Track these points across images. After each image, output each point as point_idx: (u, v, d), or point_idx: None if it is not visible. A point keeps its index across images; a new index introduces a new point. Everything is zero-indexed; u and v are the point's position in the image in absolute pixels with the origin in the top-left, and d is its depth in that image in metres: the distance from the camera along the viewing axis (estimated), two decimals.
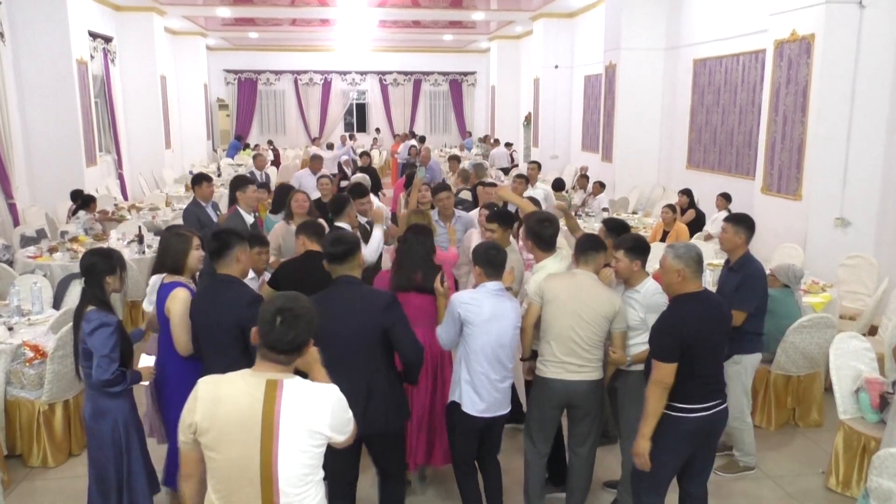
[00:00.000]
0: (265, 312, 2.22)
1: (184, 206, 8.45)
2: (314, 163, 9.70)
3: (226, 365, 3.01)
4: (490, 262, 3.62)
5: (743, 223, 4.48)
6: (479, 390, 3.58)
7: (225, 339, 3.40)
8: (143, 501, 3.60)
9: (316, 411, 2.22)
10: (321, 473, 2.32)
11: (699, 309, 3.34)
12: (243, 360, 3.12)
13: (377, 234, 5.47)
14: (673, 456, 3.41)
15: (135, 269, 6.86)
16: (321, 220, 5.05)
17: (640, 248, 3.84)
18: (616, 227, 4.58)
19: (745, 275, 4.40)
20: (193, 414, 2.22)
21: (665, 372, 3.25)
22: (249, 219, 6.05)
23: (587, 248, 3.83)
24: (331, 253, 3.39)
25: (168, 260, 3.75)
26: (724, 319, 3.46)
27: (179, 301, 3.55)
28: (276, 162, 17.94)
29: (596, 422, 3.84)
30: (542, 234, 4.09)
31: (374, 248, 5.38)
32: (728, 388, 4.34)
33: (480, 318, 3.52)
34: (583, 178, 11.73)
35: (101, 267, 3.44)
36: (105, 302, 3.45)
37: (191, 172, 13.23)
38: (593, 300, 3.66)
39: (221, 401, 2.20)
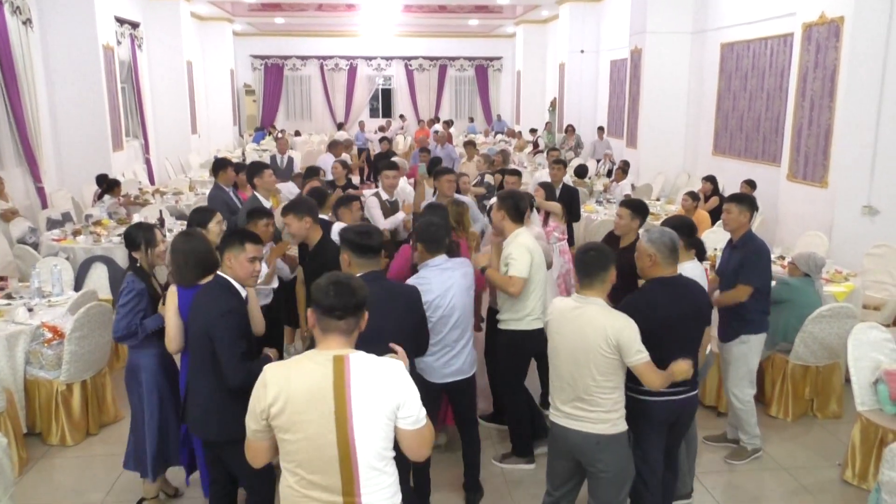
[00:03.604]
0: (318, 286, 2.27)
1: (206, 191, 8.54)
2: (337, 148, 9.74)
3: (196, 370, 3.19)
4: (427, 236, 3.72)
5: (747, 202, 4.52)
6: (439, 359, 3.74)
7: (195, 344, 3.21)
8: (173, 455, 3.91)
9: (386, 382, 2.23)
10: (394, 452, 2.31)
11: (668, 294, 3.34)
12: (206, 371, 3.14)
13: (400, 214, 5.90)
14: (648, 440, 3.40)
15: None
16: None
17: (685, 228, 3.99)
18: (640, 208, 4.75)
19: (747, 250, 4.39)
20: (264, 400, 2.22)
21: None
22: (267, 204, 5.92)
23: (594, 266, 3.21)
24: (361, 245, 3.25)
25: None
26: (697, 305, 3.42)
27: (170, 296, 3.59)
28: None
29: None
30: (520, 206, 4.30)
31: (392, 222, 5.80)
32: (732, 368, 4.44)
33: (432, 294, 3.63)
34: (620, 171, 11.25)
35: (129, 239, 3.88)
36: (138, 268, 3.83)
37: (216, 157, 13.35)
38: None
39: (292, 381, 2.20)
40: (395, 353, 2.55)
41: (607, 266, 3.14)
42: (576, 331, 3.10)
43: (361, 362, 2.24)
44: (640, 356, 3.03)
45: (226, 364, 3.02)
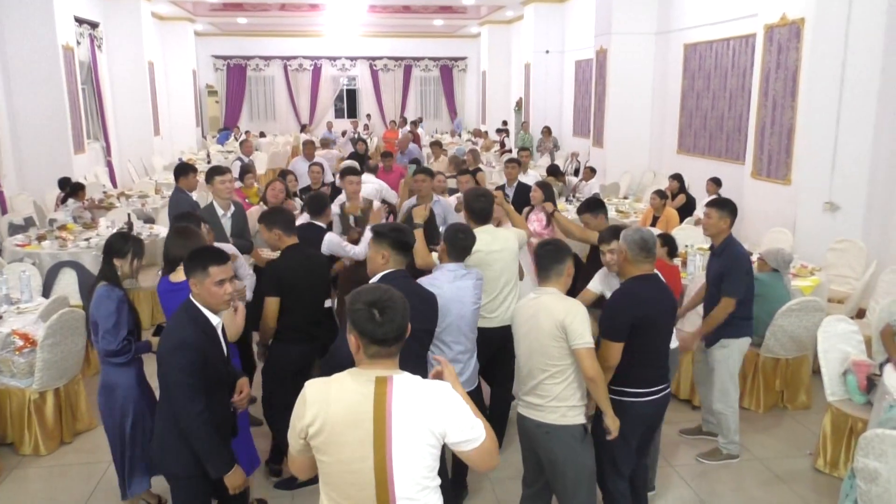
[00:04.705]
0: (357, 312, 2.08)
1: None
2: (307, 149, 9.66)
3: (161, 400, 3.03)
4: (455, 244, 3.73)
5: (727, 207, 4.46)
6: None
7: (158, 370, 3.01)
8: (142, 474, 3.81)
9: (429, 407, 2.09)
10: (438, 480, 2.19)
11: (648, 291, 3.43)
12: (165, 401, 2.96)
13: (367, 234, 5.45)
14: (628, 440, 3.43)
15: None
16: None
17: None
18: (596, 205, 5.00)
19: (727, 259, 4.37)
20: (303, 418, 2.10)
21: (613, 351, 3.31)
22: (221, 211, 5.50)
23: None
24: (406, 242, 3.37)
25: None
26: (671, 304, 3.55)
27: None
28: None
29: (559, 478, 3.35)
30: (474, 207, 4.27)
31: (362, 247, 5.16)
32: (714, 373, 4.47)
33: (441, 300, 3.57)
34: (588, 170, 11.35)
35: (114, 248, 3.70)
36: (114, 278, 3.66)
37: (180, 160, 13.17)
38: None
39: (331, 401, 2.08)
40: (440, 363, 2.36)
41: (562, 260, 3.26)
42: (530, 319, 3.23)
43: (405, 385, 2.10)
44: (583, 341, 3.09)
45: (173, 401, 2.87)
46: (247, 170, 7.57)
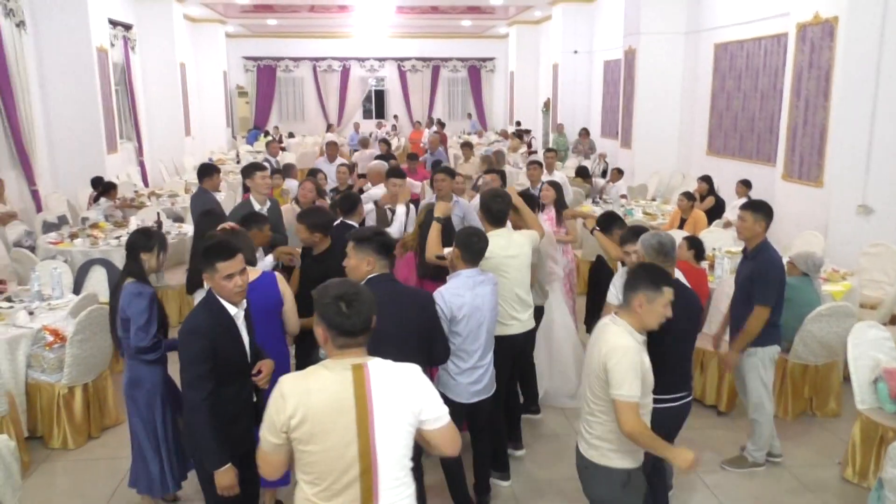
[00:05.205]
0: (325, 306, 2.17)
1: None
2: (330, 149, 9.72)
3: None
4: (470, 247, 3.64)
5: (763, 210, 4.28)
6: (468, 377, 3.67)
7: None
8: (179, 467, 3.83)
9: (406, 387, 2.22)
10: (412, 463, 2.28)
11: None
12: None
13: (400, 210, 5.71)
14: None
15: None
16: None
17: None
18: (609, 221, 4.94)
19: (760, 264, 4.20)
20: (283, 412, 2.15)
21: None
22: (258, 207, 5.63)
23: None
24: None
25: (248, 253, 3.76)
26: (692, 309, 3.43)
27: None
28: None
29: None
30: (491, 208, 4.17)
31: (396, 226, 5.56)
32: (746, 382, 4.37)
33: (462, 311, 3.54)
34: (616, 171, 11.35)
35: (139, 243, 3.79)
36: (141, 275, 3.73)
37: (210, 160, 13.35)
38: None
39: (312, 393, 2.15)
40: None
41: (634, 287, 2.89)
42: (591, 346, 3.05)
43: (380, 369, 2.22)
44: (619, 392, 2.79)
45: (181, 384, 2.96)
46: (276, 170, 7.67)
